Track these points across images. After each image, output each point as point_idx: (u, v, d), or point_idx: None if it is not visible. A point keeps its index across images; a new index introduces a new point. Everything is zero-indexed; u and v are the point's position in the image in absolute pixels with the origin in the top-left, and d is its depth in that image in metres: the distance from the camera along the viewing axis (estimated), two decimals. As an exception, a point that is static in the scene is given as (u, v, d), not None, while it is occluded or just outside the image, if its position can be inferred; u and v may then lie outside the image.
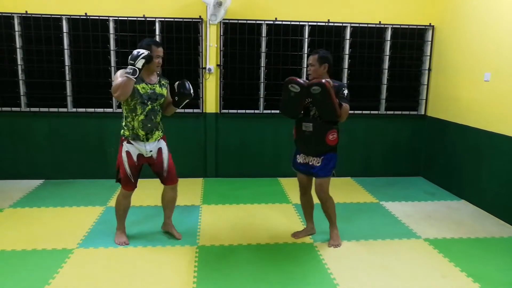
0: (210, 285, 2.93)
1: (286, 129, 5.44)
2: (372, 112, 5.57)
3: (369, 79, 5.53)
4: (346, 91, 3.31)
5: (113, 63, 5.09)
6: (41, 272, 3.04)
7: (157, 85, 3.32)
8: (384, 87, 5.53)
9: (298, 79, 3.25)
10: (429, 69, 5.48)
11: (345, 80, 5.42)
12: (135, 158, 3.33)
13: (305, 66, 5.32)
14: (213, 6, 4.77)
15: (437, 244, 3.65)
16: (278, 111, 5.34)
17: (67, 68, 5.04)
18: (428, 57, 5.46)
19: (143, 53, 3.06)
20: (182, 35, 5.14)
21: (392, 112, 5.59)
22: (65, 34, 4.99)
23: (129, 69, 3.04)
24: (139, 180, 3.48)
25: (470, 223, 4.13)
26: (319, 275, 3.10)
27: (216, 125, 5.35)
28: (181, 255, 3.35)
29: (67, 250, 3.38)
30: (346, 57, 5.38)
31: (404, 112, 5.62)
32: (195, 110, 5.34)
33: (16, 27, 4.92)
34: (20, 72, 5.01)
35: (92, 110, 5.16)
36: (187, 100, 3.46)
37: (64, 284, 2.90)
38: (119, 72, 3.17)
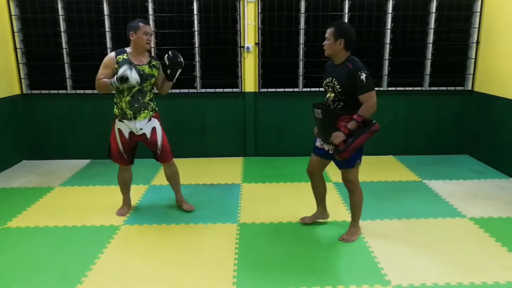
0: (251, 262, 2.98)
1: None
2: (415, 88, 5.37)
3: (413, 54, 5.31)
4: (363, 75, 2.84)
5: (153, 44, 5.16)
6: (91, 246, 3.20)
7: (146, 66, 3.36)
8: (428, 62, 5.30)
9: (342, 124, 2.87)
10: (477, 42, 5.19)
11: (386, 56, 5.24)
12: (126, 135, 3.45)
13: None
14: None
15: (483, 223, 3.53)
16: (317, 89, 5.28)
17: (108, 50, 5.16)
18: (477, 29, 5.17)
19: (132, 82, 3.14)
20: (220, 14, 5.12)
21: (436, 88, 5.37)
22: (106, 17, 5.09)
23: (113, 82, 3.17)
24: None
25: (520, 203, 3.96)
26: (360, 254, 3.08)
27: (255, 104, 5.35)
28: (222, 232, 3.42)
29: (114, 226, 3.53)
30: (388, 31, 5.18)
31: (449, 88, 5.38)
32: (234, 90, 5.35)
33: (60, 11, 5.07)
34: (65, 55, 5.18)
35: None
36: (180, 70, 3.43)
37: (113, 258, 3.05)
38: (108, 58, 3.30)
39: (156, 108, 3.56)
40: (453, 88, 5.38)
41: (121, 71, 3.14)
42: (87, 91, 5.27)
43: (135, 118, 3.38)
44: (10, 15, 5.03)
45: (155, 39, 5.17)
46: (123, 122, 3.41)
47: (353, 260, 3.00)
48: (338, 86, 2.97)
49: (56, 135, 5.38)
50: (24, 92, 5.26)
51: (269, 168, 5.03)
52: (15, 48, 5.11)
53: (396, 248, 3.14)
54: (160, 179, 4.63)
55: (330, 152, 3.11)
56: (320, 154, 3.25)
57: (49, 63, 5.23)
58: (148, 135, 3.48)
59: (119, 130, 3.44)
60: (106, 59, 3.32)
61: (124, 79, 3.13)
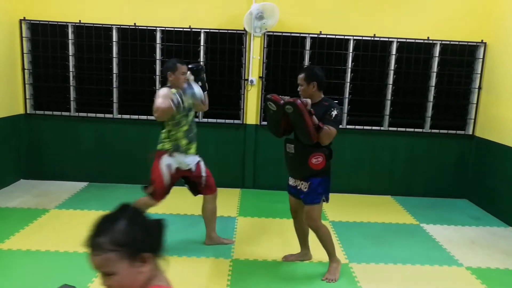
0: (242, 301, 2.93)
1: (325, 144, 5.38)
2: (416, 130, 5.39)
3: (415, 96, 5.37)
4: (334, 112, 3.02)
5: (157, 72, 5.23)
6: (82, 274, 3.13)
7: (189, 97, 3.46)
8: (430, 105, 5.35)
9: (277, 97, 3.09)
10: (479, 88, 5.25)
11: (389, 96, 5.29)
12: (173, 170, 3.43)
13: (348, 80, 5.26)
14: (254, 18, 4.82)
15: (480, 274, 3.47)
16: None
17: (114, 75, 5.23)
18: (479, 75, 5.24)
19: (197, 94, 3.23)
20: (226, 46, 5.21)
21: (437, 131, 5.40)
22: (114, 43, 5.18)
23: (176, 100, 3.19)
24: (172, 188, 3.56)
25: (518, 254, 3.91)
26: (353, 299, 3.02)
27: (256, 137, 5.37)
28: (215, 268, 3.37)
29: (106, 254, 3.48)
30: (391, 72, 5.25)
31: (450, 131, 5.41)
32: (236, 121, 5.38)
33: (70, 36, 5.16)
34: (71, 78, 5.25)
35: (136, 117, 5.32)
36: (204, 74, 3.57)
37: (101, 289, 2.99)
38: (162, 92, 3.31)
39: None
40: (454, 131, 5.41)
41: (186, 87, 3.24)
42: (90, 114, 5.31)
43: (188, 150, 3.43)
44: (21, 37, 5.13)
45: (161, 67, 5.25)
46: (172, 156, 3.41)
47: (346, 305, 2.95)
48: None
49: (56, 156, 5.38)
50: (28, 112, 5.31)
51: (266, 202, 5.00)
52: (23, 69, 5.19)
53: (390, 295, 3.09)
54: (155, 208, 4.58)
55: (298, 188, 3.19)
56: (293, 193, 3.32)
57: (55, 85, 5.30)
58: (193, 169, 3.51)
59: (168, 165, 3.41)
60: (165, 90, 3.33)
61: (190, 92, 3.20)
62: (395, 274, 3.41)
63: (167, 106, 3.21)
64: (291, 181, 3.31)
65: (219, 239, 3.79)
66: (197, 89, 3.24)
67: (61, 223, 4.07)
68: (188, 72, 3.45)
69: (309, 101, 2.99)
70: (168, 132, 3.42)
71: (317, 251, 3.63)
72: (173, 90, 3.34)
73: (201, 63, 5.20)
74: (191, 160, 3.49)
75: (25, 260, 3.34)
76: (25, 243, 3.60)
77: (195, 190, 3.66)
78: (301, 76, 3.14)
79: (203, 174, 3.57)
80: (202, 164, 3.59)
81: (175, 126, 3.39)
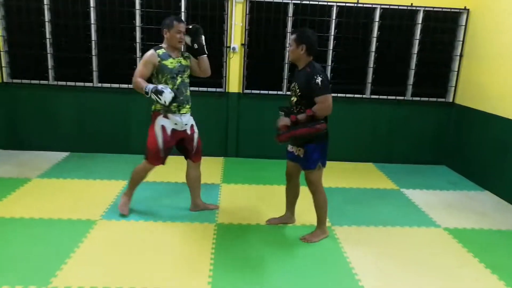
0: (226, 262, 2.99)
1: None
2: (398, 97, 5.45)
3: (397, 63, 5.39)
4: (319, 79, 2.95)
5: (138, 39, 5.11)
6: (67, 240, 3.17)
7: (181, 58, 3.42)
8: (412, 72, 5.39)
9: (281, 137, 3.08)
10: (461, 55, 5.30)
11: (371, 64, 5.31)
12: (169, 132, 3.40)
13: (331, 48, 5.24)
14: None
15: (456, 234, 3.61)
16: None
17: (93, 43, 5.09)
18: (461, 42, 5.28)
19: (166, 100, 3.16)
20: (208, 13, 5.11)
21: (418, 99, 5.47)
22: (92, 9, 5.02)
23: (149, 90, 3.18)
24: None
25: (492, 215, 4.06)
26: (335, 259, 3.11)
27: (238, 105, 5.35)
28: (199, 232, 3.41)
29: (91, 221, 3.49)
30: (374, 40, 5.25)
31: (431, 99, 5.49)
32: (218, 89, 5.34)
33: (45, 0, 4.97)
34: (48, 45, 5.09)
35: (117, 85, 5.23)
36: (202, 36, 3.45)
37: (88, 252, 3.02)
38: (145, 56, 3.30)
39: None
40: (434, 99, 5.49)
41: (161, 86, 3.19)
42: (69, 83, 5.19)
43: (179, 111, 3.37)
44: (-6, 2, 4.92)
45: (140, 34, 5.13)
46: (167, 118, 3.36)
47: (328, 264, 3.04)
48: (298, 90, 3.11)
49: (35, 126, 5.28)
50: (5, 80, 5.15)
51: (249, 170, 5.04)
52: (-3, 35, 5.01)
53: (371, 255, 3.19)
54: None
55: (296, 154, 3.25)
56: (290, 157, 3.37)
57: (32, 53, 5.14)
58: (188, 131, 3.49)
59: (163, 127, 3.37)
60: (147, 55, 3.29)
61: (159, 91, 3.15)
62: (376, 236, 3.52)
63: (139, 88, 3.27)
64: (289, 147, 3.36)
65: (204, 205, 3.82)
66: (167, 95, 3.15)
67: (44, 192, 4.03)
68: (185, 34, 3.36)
69: (283, 121, 3.06)
70: None
71: (303, 216, 3.72)
72: (159, 51, 3.30)
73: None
74: (186, 120, 3.45)
75: (9, 228, 3.32)
76: (8, 212, 3.58)
77: (185, 155, 3.62)
78: (292, 37, 3.12)
79: (195, 141, 3.56)
80: (195, 128, 3.57)
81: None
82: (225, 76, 5.28)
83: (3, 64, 5.11)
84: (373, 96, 5.43)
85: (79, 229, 3.34)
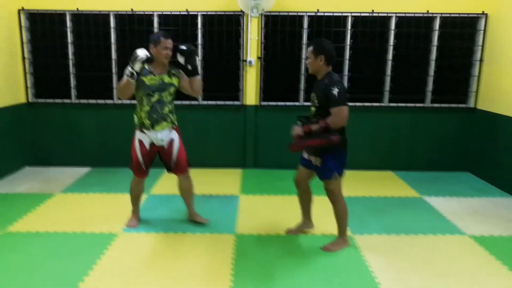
0: (247, 272, 2.97)
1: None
2: (417, 105, 5.38)
3: (415, 70, 5.34)
4: (335, 91, 2.94)
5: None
6: (90, 253, 3.22)
7: (166, 75, 3.38)
8: (431, 79, 5.33)
9: (296, 146, 3.12)
10: (481, 60, 5.22)
11: (389, 72, 5.27)
12: (147, 146, 3.43)
13: (347, 58, 5.24)
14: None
15: (483, 241, 3.49)
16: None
17: (113, 62, 5.24)
18: (480, 47, 5.20)
19: (140, 56, 3.14)
20: (224, 28, 5.20)
21: (438, 105, 5.38)
22: (112, 29, 5.18)
23: (128, 71, 3.16)
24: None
25: (521, 221, 3.92)
26: (357, 268, 3.05)
27: (256, 117, 5.38)
28: (219, 243, 3.41)
29: (112, 234, 3.54)
30: (391, 48, 5.23)
31: (451, 105, 5.39)
32: (235, 103, 5.39)
33: (68, 24, 5.17)
34: (71, 66, 5.27)
35: (135, 102, 5.32)
36: (197, 57, 3.41)
37: (110, 265, 3.05)
38: (124, 72, 3.26)
39: (176, 123, 3.54)
40: (455, 105, 5.39)
41: (135, 52, 3.16)
42: (90, 101, 5.34)
43: (152, 128, 3.38)
44: (20, 26, 5.14)
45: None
46: (144, 132, 3.41)
47: (350, 274, 2.98)
48: (316, 100, 3.13)
49: (59, 143, 5.44)
50: (30, 100, 5.35)
51: (268, 181, 5.03)
52: (23, 58, 5.22)
53: (394, 264, 3.12)
54: (160, 188, 4.65)
55: (314, 163, 3.23)
56: (305, 164, 3.37)
57: (55, 74, 5.33)
58: (166, 146, 3.48)
59: (140, 141, 3.43)
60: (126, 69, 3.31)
61: (133, 57, 3.14)
62: (398, 244, 3.44)
63: (123, 83, 3.21)
64: (305, 155, 3.35)
65: (195, 216, 3.79)
66: (140, 52, 3.14)
67: (67, 206, 4.12)
68: (178, 53, 3.32)
69: (298, 131, 3.07)
70: (136, 109, 3.44)
71: (323, 226, 3.68)
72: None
73: (199, 46, 5.21)
74: (164, 136, 3.43)
75: (34, 241, 3.40)
76: (33, 226, 3.67)
77: (167, 168, 3.63)
78: (310, 49, 3.11)
79: (174, 155, 3.51)
80: (176, 143, 3.51)
81: (139, 103, 3.39)
82: (242, 89, 5.33)
83: (29, 85, 5.31)
84: (391, 104, 5.38)
85: (101, 242, 3.39)
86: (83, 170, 5.31)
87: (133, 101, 5.22)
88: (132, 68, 3.17)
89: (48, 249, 3.27)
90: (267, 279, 2.88)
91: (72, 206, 4.13)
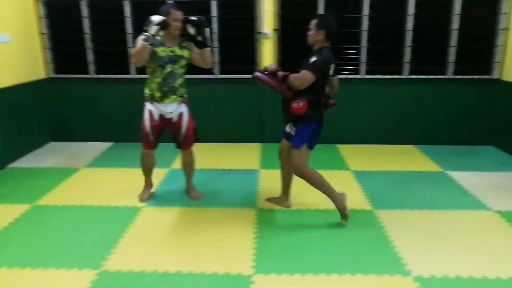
0: (270, 247, 3.01)
1: (344, 95, 5.30)
2: (438, 76, 5.25)
3: (436, 41, 5.18)
4: (313, 59, 3.05)
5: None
6: (115, 226, 3.29)
7: (177, 48, 3.37)
8: (453, 50, 5.17)
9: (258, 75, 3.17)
10: (507, 29, 5.03)
11: (408, 43, 5.13)
12: (157, 117, 3.45)
13: (366, 29, 5.11)
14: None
15: (510, 216, 3.44)
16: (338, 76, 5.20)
17: (129, 35, 5.20)
18: (505, 15, 5.00)
19: (157, 20, 3.09)
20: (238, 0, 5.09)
21: (461, 77, 5.24)
22: (127, 3, 5.11)
23: (144, 36, 3.12)
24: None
25: (546, 195, 3.86)
26: (380, 243, 3.06)
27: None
28: (241, 217, 3.45)
29: (136, 207, 3.61)
30: (411, 18, 5.06)
31: (474, 77, 5.25)
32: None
33: (84, -3, 5.12)
34: (88, 40, 5.25)
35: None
36: (207, 28, 3.34)
37: (136, 237, 3.13)
38: (139, 37, 3.23)
39: (186, 96, 3.55)
40: (478, 76, 5.25)
41: (150, 17, 3.12)
42: (109, 76, 5.34)
43: (161, 100, 3.40)
44: (37, 1, 5.11)
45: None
46: (153, 104, 3.44)
47: (373, 249, 2.99)
48: (300, 70, 3.17)
49: (81, 118, 5.50)
50: (51, 76, 5.38)
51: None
52: (41, 34, 5.21)
53: (417, 239, 3.11)
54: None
55: (289, 132, 3.36)
56: (285, 135, 3.45)
57: (73, 48, 5.32)
58: (175, 119, 3.51)
59: (150, 111, 3.45)
60: (139, 38, 3.25)
61: (148, 22, 3.10)
62: (421, 219, 3.42)
63: (138, 47, 3.17)
64: (287, 128, 3.43)
65: (190, 190, 3.83)
66: (155, 17, 3.10)
67: (91, 181, 4.21)
68: (188, 24, 3.29)
69: (270, 66, 3.18)
70: (148, 80, 3.43)
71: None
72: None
73: (213, 18, 5.11)
74: (173, 108, 3.45)
75: (62, 214, 3.50)
76: (61, 199, 3.76)
77: (176, 144, 3.65)
78: (314, 21, 3.16)
79: (183, 129, 3.53)
80: (185, 116, 3.52)
81: (151, 75, 3.38)
82: (258, 62, 5.26)
83: (49, 60, 5.33)
84: (412, 76, 5.26)
85: (126, 216, 3.46)
86: (106, 145, 5.38)
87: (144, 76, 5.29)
88: (148, 32, 3.12)
89: (75, 222, 3.36)
90: (290, 253, 2.92)
91: (96, 181, 4.21)
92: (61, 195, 3.85)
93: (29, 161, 4.80)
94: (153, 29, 3.11)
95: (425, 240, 3.09)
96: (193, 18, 3.28)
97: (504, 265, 2.78)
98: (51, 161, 4.78)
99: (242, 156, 4.96)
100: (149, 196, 3.80)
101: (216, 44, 5.23)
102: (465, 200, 3.77)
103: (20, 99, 4.87)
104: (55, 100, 5.44)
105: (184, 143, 3.61)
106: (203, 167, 4.59)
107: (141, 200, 3.74)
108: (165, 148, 4.66)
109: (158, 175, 4.36)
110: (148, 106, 3.46)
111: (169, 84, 3.37)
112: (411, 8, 5.03)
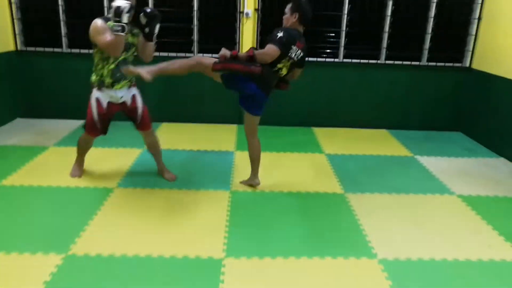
0: (242, 229, 3.05)
1: (322, 78, 5.34)
2: (413, 62, 5.33)
3: (413, 28, 5.23)
4: (280, 34, 3.12)
5: (151, 5, 5.04)
6: (85, 208, 3.24)
7: (129, 35, 3.28)
8: (428, 37, 5.24)
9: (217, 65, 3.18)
10: (479, 18, 5.12)
11: (386, 28, 5.16)
12: (104, 105, 3.40)
13: (345, 12, 5.10)
14: None
15: (470, 201, 3.60)
16: (313, 59, 5.21)
17: (106, 9, 5.03)
18: (479, 4, 5.08)
19: (126, 7, 2.97)
20: (220, -23, 4.98)
21: (434, 64, 5.34)
22: (102, -26, 4.93)
23: (116, 26, 3.00)
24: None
25: (508, 182, 4.03)
26: (348, 226, 3.15)
27: (252, 72, 5.29)
28: (214, 199, 3.47)
29: (107, 188, 3.57)
30: (390, 3, 5.08)
31: (447, 64, 5.35)
32: (231, 56, 5.27)
33: (55, -34, 4.90)
34: (61, 12, 5.05)
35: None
36: (158, 24, 3.26)
37: (106, 220, 3.10)
38: (100, 24, 3.12)
39: (134, 80, 3.49)
40: (451, 64, 5.35)
41: (116, 5, 2.96)
42: (83, 51, 5.17)
43: (112, 87, 3.34)
44: (3, -32, 4.86)
45: (153, 1, 5.04)
46: (101, 91, 3.36)
47: (342, 231, 3.08)
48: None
49: (52, 94, 5.32)
50: (19, 48, 5.17)
51: (263, 137, 4.94)
52: (10, 3, 4.97)
53: (385, 222, 3.22)
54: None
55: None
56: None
57: (45, 20, 5.11)
58: (129, 103, 3.47)
59: (97, 99, 3.38)
60: (99, 24, 3.14)
61: (118, 11, 2.94)
62: (390, 203, 3.53)
63: (114, 39, 3.03)
64: None
65: (163, 172, 3.83)
66: (122, 2, 2.95)
67: (61, 160, 4.11)
68: (141, 14, 3.16)
69: (225, 53, 3.15)
70: (96, 66, 3.34)
71: (315, 185, 3.74)
72: (109, 23, 3.12)
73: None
74: (124, 93, 3.42)
75: (28, 195, 3.42)
76: (27, 180, 3.67)
77: (135, 125, 3.62)
78: (288, 5, 3.27)
79: (139, 110, 3.51)
80: (138, 98, 3.52)
81: (102, 61, 3.29)
82: (239, 42, 5.20)
83: (17, 31, 5.10)
84: (388, 62, 5.32)
85: (97, 197, 3.42)
86: (77, 123, 5.23)
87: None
88: (121, 22, 3.01)
89: (42, 204, 3.29)
90: (261, 236, 2.97)
91: (66, 160, 4.10)
92: (27, 175, 3.75)
93: (-5, 137, 4.65)
94: (125, 18, 3.00)
95: (391, 224, 3.20)
96: (148, 9, 3.18)
97: (462, 247, 2.93)
98: (17, 139, 4.63)
99: (218, 137, 4.95)
100: (82, 173, 3.77)
101: (196, 22, 5.12)
102: (431, 185, 3.90)
103: (-15, 72, 4.68)
104: (24, 74, 5.24)
105: (143, 123, 3.58)
106: (178, 147, 4.57)
107: (74, 177, 3.71)
108: (126, 128, 4.60)
109: (132, 154, 4.31)
110: (96, 94, 3.38)
111: (120, 71, 3.32)
112: (389, -7, 5.05)
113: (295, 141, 4.95)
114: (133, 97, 3.49)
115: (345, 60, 5.28)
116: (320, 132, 5.29)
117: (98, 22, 3.16)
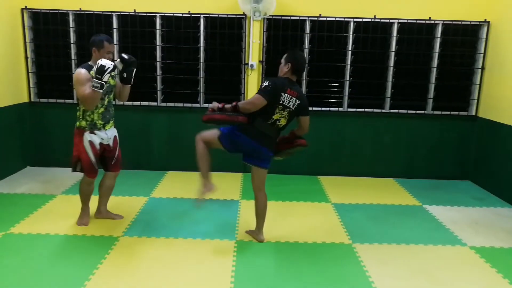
0: (247, 279, 2.98)
1: (327, 127, 5.40)
2: (418, 111, 5.39)
3: (416, 77, 5.34)
4: (265, 83, 3.26)
5: (158, 58, 5.24)
6: (91, 256, 3.22)
7: (110, 78, 3.46)
8: (432, 86, 5.33)
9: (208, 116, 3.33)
10: (483, 68, 5.22)
11: (390, 78, 5.27)
12: (97, 146, 3.53)
13: (349, 63, 5.24)
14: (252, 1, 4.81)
15: (484, 252, 3.49)
16: (317, 108, 5.30)
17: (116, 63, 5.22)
18: (482, 55, 5.20)
19: (110, 68, 3.18)
20: (226, 31, 5.19)
21: (439, 112, 5.39)
22: (115, 30, 5.17)
23: (95, 83, 3.20)
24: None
25: (521, 232, 3.93)
26: (357, 279, 3.05)
27: (258, 121, 5.37)
28: (220, 249, 3.42)
29: (113, 237, 3.54)
30: (393, 54, 5.23)
31: (452, 113, 5.40)
32: (238, 106, 5.38)
33: (71, 23, 5.16)
34: (73, 66, 5.26)
35: (137, 103, 5.34)
36: (135, 70, 3.47)
37: (111, 269, 3.06)
38: (83, 73, 3.30)
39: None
40: (456, 112, 5.40)
41: (101, 64, 3.16)
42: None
43: (104, 127, 3.52)
44: (23, 25, 5.13)
45: (161, 53, 5.24)
46: (94, 133, 3.49)
47: (350, 284, 2.98)
48: None
49: (61, 143, 5.42)
50: (32, 100, 5.34)
51: (269, 186, 4.95)
52: (26, 58, 5.21)
53: (394, 273, 3.12)
54: (160, 191, 4.65)
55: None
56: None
57: (58, 73, 5.31)
58: (111, 143, 3.63)
59: (91, 142, 3.50)
60: (83, 75, 3.30)
61: (101, 69, 3.15)
62: (399, 254, 3.44)
63: (92, 94, 3.24)
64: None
65: (107, 213, 3.89)
66: (107, 62, 3.18)
67: (68, 208, 4.11)
68: (118, 60, 3.37)
69: (214, 105, 3.33)
70: (83, 112, 3.46)
71: (322, 235, 3.68)
72: (92, 73, 3.29)
73: (201, 48, 5.19)
74: (111, 134, 3.61)
75: (35, 243, 3.41)
76: (35, 227, 3.67)
77: (105, 166, 3.72)
78: (284, 55, 3.40)
79: (117, 150, 3.71)
80: (117, 139, 3.71)
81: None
82: (244, 93, 5.33)
83: (31, 84, 5.30)
84: (392, 111, 5.38)
85: (103, 246, 3.39)
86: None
87: (135, 103, 5.30)
88: (101, 80, 3.20)
89: (49, 252, 3.27)
90: (267, 287, 2.89)
91: (73, 208, 4.10)
92: (35, 223, 3.76)
93: (4, 186, 4.69)
94: (106, 77, 3.21)
95: (401, 275, 3.10)
96: (125, 56, 3.38)
97: (478, 303, 2.80)
98: (27, 187, 4.69)
99: (223, 186, 4.93)
100: (89, 221, 3.79)
101: (202, 73, 5.29)
102: (442, 235, 3.81)
103: (-1, 122, 4.81)
104: (35, 125, 5.39)
105: (116, 165, 3.72)
106: (183, 196, 4.56)
107: (81, 225, 3.72)
108: (144, 177, 4.65)
109: (137, 203, 4.31)
110: (88, 137, 3.49)
111: (110, 112, 3.56)
112: (393, 45, 5.20)
113: (301, 190, 4.92)
114: (115, 137, 3.68)
115: (349, 109, 5.36)
116: (325, 181, 5.26)
117: (81, 71, 3.34)
